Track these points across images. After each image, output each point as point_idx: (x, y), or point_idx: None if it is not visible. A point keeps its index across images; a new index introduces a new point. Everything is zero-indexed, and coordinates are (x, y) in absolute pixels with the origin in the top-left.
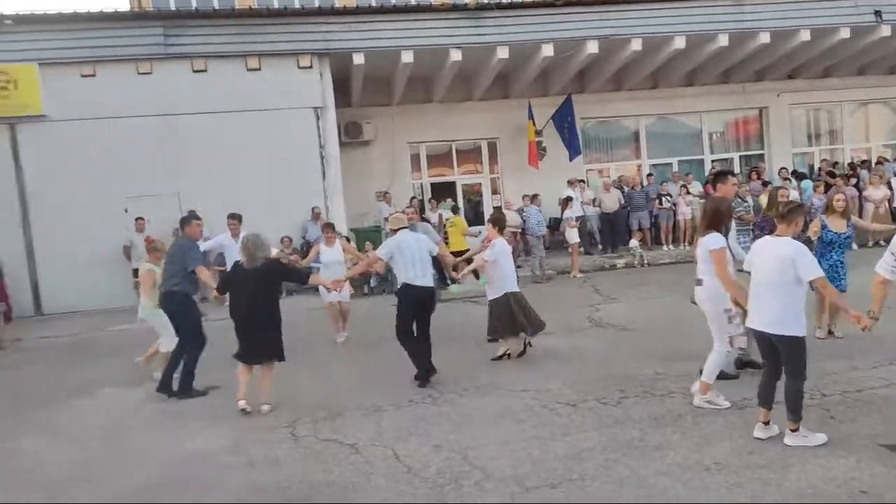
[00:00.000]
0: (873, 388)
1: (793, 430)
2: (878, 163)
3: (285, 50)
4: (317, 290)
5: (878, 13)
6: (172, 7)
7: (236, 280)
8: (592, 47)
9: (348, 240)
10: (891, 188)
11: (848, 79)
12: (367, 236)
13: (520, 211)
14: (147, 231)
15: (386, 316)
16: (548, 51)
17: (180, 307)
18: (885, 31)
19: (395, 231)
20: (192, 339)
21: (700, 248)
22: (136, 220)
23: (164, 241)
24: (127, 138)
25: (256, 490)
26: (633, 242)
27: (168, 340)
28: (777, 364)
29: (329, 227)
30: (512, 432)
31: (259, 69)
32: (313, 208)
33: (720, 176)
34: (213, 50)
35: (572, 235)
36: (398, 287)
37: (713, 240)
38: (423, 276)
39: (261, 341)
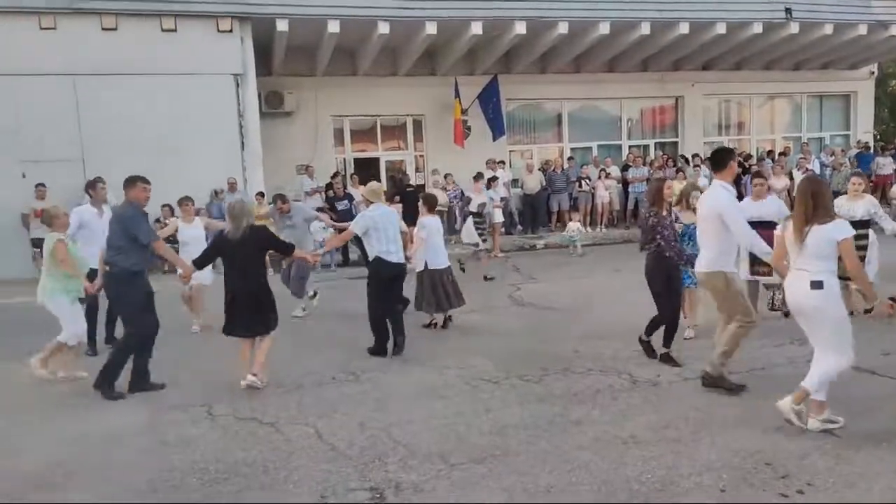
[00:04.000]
0: (778, 364)
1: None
2: (782, 154)
3: (204, 11)
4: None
5: (788, 10)
6: None
7: (224, 251)
8: (520, 28)
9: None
10: (792, 178)
11: (757, 73)
12: None
13: (444, 189)
14: (49, 199)
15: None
16: (476, 29)
17: (126, 285)
18: (794, 28)
19: (370, 203)
20: (128, 319)
21: (814, 238)
22: (37, 186)
23: (60, 207)
24: (26, 98)
25: (170, 471)
26: (574, 226)
27: (68, 331)
28: None
29: (187, 201)
30: (436, 409)
31: (175, 30)
32: (228, 179)
33: (728, 153)
34: (124, 7)
35: (496, 215)
36: (371, 261)
37: (840, 228)
38: (397, 252)
39: (257, 315)
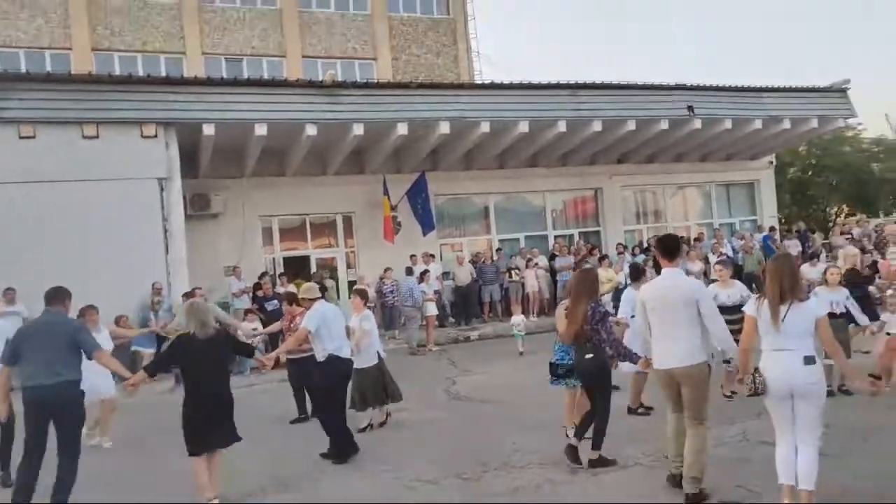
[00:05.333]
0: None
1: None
2: (696, 239)
3: (127, 118)
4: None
5: (690, 108)
6: None
7: (191, 354)
8: (444, 128)
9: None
10: (707, 262)
11: (668, 165)
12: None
13: (379, 287)
14: None
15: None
16: (402, 130)
17: (80, 406)
18: (697, 123)
19: (312, 301)
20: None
21: (795, 316)
22: None
23: None
24: None
25: None
26: (517, 319)
27: None
28: None
29: (91, 310)
30: None
31: (96, 136)
32: (154, 285)
33: (678, 239)
34: (44, 115)
35: (430, 308)
36: (324, 361)
37: (820, 305)
38: (346, 348)
39: (228, 423)
